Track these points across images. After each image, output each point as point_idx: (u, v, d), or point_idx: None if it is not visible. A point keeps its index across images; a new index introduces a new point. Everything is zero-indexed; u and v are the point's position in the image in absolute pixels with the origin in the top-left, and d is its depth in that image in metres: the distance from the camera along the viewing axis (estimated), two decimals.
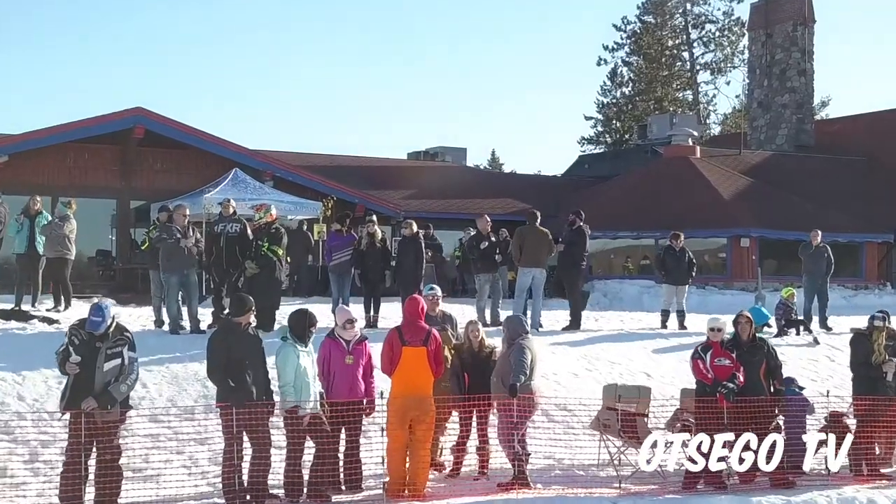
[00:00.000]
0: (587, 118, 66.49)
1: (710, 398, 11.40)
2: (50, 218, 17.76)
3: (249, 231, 16.25)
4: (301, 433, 10.03)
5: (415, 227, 17.29)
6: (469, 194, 34.86)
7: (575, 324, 18.44)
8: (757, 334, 12.39)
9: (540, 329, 18.52)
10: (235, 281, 16.26)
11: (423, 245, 17.23)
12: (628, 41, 64.63)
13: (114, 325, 9.60)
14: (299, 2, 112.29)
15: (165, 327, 15.85)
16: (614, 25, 64.87)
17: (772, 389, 11.92)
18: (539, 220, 17.95)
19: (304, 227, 26.80)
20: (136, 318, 17.99)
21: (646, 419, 11.91)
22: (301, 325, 10.13)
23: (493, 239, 18.31)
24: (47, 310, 17.37)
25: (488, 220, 18.56)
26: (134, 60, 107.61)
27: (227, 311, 16.33)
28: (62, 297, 17.56)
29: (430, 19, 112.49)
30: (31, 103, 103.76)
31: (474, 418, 11.40)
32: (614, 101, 65.81)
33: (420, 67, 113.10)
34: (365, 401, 10.74)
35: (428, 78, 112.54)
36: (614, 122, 65.90)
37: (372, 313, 17.10)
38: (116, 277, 27.76)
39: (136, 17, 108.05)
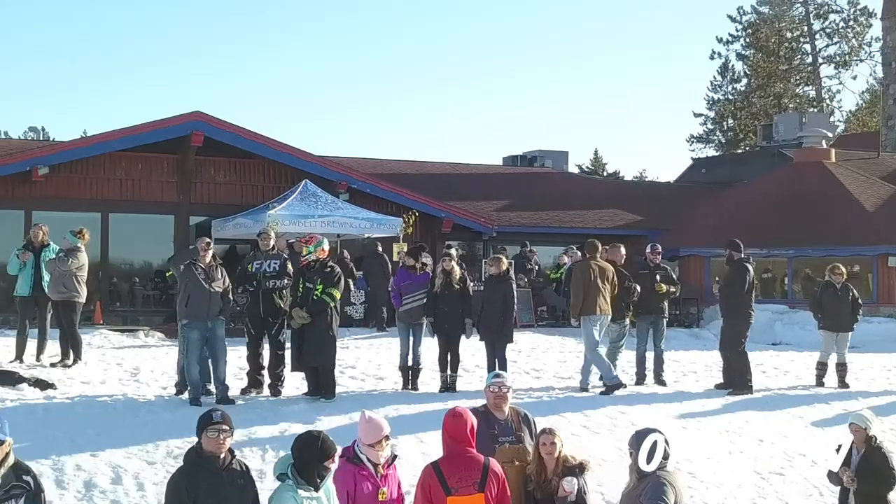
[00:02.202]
0: (696, 115, 62.62)
1: None
2: (58, 249, 14.50)
3: (290, 267, 12.87)
4: None
5: (504, 265, 13.62)
6: (572, 205, 31.03)
7: (729, 384, 14.56)
8: None
9: (659, 383, 14.82)
10: (277, 333, 12.86)
11: (514, 287, 13.54)
12: (744, 33, 60.07)
13: (9, 461, 6.11)
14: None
15: (187, 394, 12.39)
16: (729, 16, 60.54)
17: None
18: (599, 252, 14.19)
19: (381, 249, 23.37)
20: (160, 373, 14.65)
21: None
22: (310, 460, 6.32)
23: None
24: (52, 364, 14.15)
25: (623, 252, 14.86)
26: (190, 62, 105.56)
27: (265, 371, 13.11)
28: (70, 350, 14.30)
29: (522, 12, 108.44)
30: (73, 108, 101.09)
31: None
32: (726, 97, 61.40)
33: (516, 64, 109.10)
34: None
35: (524, 75, 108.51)
36: (728, 119, 61.51)
37: (449, 373, 13.51)
38: (174, 303, 24.66)
39: (192, 15, 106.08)
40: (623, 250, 14.83)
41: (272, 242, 13.06)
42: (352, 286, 23.31)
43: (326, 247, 12.74)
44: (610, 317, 13.88)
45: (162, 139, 23.94)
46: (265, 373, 13.01)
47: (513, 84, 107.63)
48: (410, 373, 13.74)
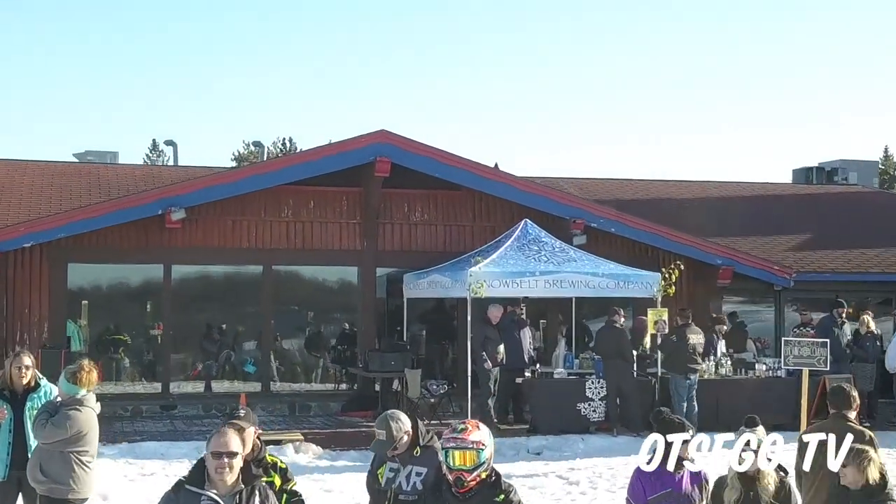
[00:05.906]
0: None
1: None
2: (54, 395, 8.38)
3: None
4: None
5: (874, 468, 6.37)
6: (891, 239, 22.85)
7: None
8: None
9: None
10: None
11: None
12: None
13: None
14: None
15: None
16: None
17: None
18: None
19: (620, 323, 16.75)
20: None
21: None
22: None
23: None
24: None
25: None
26: (373, 79, 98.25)
27: None
28: None
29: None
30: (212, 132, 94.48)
31: None
32: None
33: (794, 55, 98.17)
34: None
35: (808, 69, 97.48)
36: None
37: None
38: (358, 384, 18.76)
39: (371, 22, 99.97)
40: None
41: (405, 436, 6.50)
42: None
43: (490, 450, 6.02)
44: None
45: (337, 168, 17.97)
46: None
47: (798, 80, 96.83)
48: None
